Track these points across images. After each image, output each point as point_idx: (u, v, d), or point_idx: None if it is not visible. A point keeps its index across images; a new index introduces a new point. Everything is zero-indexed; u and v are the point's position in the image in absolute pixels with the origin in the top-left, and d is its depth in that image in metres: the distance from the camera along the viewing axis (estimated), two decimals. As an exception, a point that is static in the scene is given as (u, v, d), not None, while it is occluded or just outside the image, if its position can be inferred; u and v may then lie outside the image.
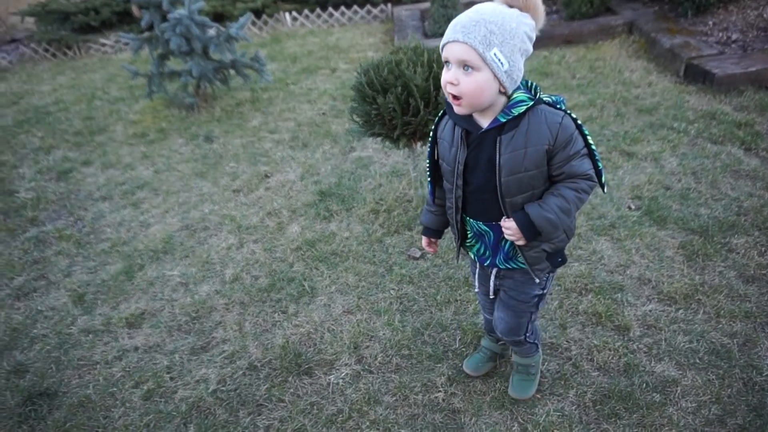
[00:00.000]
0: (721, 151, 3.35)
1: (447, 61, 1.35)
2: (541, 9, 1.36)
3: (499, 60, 1.28)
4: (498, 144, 1.41)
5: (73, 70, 7.09)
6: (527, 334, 1.87)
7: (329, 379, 2.24)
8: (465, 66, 1.31)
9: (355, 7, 7.46)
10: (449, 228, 1.76)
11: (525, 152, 1.39)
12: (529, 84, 1.44)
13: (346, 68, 5.77)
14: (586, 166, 1.43)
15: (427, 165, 1.68)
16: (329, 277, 2.80)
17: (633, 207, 2.99)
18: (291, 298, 2.70)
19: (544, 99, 1.41)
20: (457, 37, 1.29)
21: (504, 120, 1.38)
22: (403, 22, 6.54)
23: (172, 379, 2.35)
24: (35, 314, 2.84)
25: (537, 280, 1.68)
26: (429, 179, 1.70)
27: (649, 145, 3.52)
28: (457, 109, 1.40)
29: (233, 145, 4.38)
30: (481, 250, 1.70)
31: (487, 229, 1.62)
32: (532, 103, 1.38)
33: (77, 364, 2.49)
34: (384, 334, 2.42)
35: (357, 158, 3.91)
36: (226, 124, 4.78)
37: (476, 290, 1.93)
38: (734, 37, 4.52)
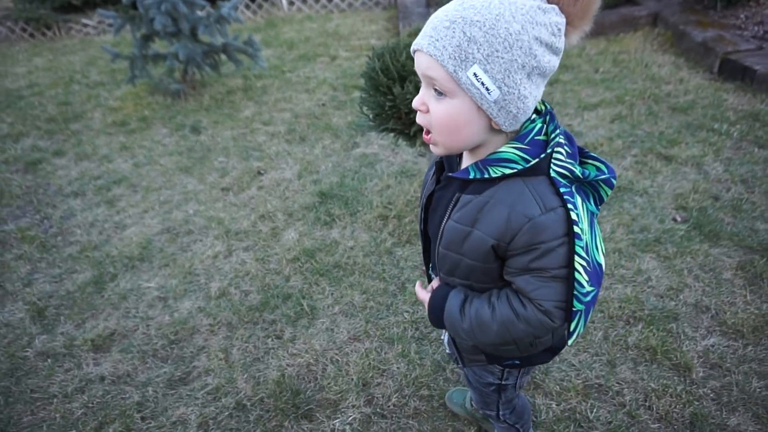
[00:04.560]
0: (771, 157, 2.99)
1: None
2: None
3: (482, 84, 0.83)
4: (454, 203, 0.99)
5: (51, 51, 6.58)
6: (501, 413, 1.47)
7: (334, 425, 1.86)
8: (434, 88, 0.88)
9: (356, -8, 7.03)
10: None
11: (469, 233, 0.97)
12: (545, 127, 0.95)
13: (347, 56, 5.34)
14: (549, 293, 0.95)
15: None
16: (332, 294, 2.41)
17: (679, 219, 2.63)
18: (287, 320, 2.30)
19: (557, 167, 0.91)
20: (421, 45, 0.86)
21: (472, 176, 0.95)
22: (407, 8, 6.12)
23: (143, 419, 1.95)
24: (-14, 331, 2.42)
25: (490, 369, 1.29)
26: None
27: (688, 149, 3.15)
28: (432, 148, 0.97)
29: (223, 138, 3.95)
30: None
31: None
32: (515, 171, 0.91)
33: (30, 396, 2.08)
34: (398, 368, 2.03)
35: (361, 155, 3.51)
36: (216, 113, 4.35)
37: None
38: (772, 31, 4.16)
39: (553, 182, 0.91)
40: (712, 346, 2.00)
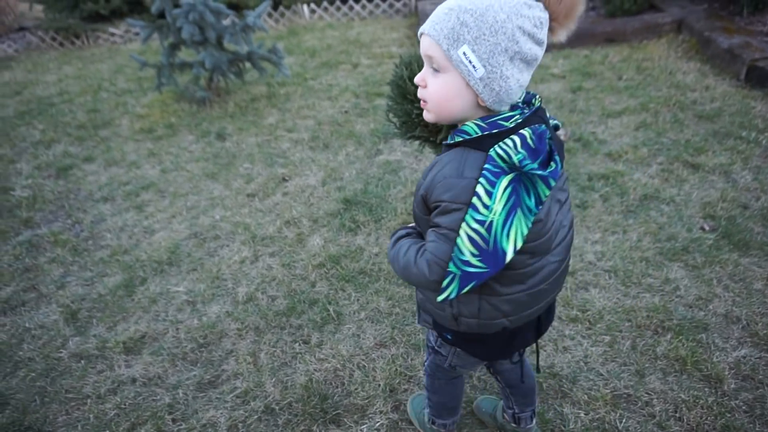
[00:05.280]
0: (802, 166, 2.95)
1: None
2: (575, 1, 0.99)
3: (470, 62, 0.98)
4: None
5: (80, 59, 6.75)
6: (425, 366, 1.64)
7: (361, 430, 1.88)
8: (432, 65, 1.04)
9: (377, 0, 7.08)
10: None
11: (420, 186, 1.14)
12: (520, 110, 1.05)
13: (368, 64, 5.39)
14: (434, 247, 1.07)
15: None
16: (357, 300, 2.43)
17: (707, 228, 2.60)
18: (314, 325, 2.33)
19: (499, 149, 0.98)
20: (425, 28, 1.02)
21: (447, 142, 1.12)
22: (428, 16, 6.15)
23: (174, 421, 1.99)
24: (22, 332, 2.49)
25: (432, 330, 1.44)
26: None
27: (715, 157, 3.12)
28: (424, 114, 1.14)
29: (247, 144, 4.02)
30: None
31: None
32: (466, 138, 1.05)
33: (65, 397, 2.14)
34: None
35: (384, 162, 3.54)
36: (240, 120, 4.42)
37: None
38: (800, 38, 4.10)
39: (486, 159, 1.00)
40: (744, 357, 1.98)
